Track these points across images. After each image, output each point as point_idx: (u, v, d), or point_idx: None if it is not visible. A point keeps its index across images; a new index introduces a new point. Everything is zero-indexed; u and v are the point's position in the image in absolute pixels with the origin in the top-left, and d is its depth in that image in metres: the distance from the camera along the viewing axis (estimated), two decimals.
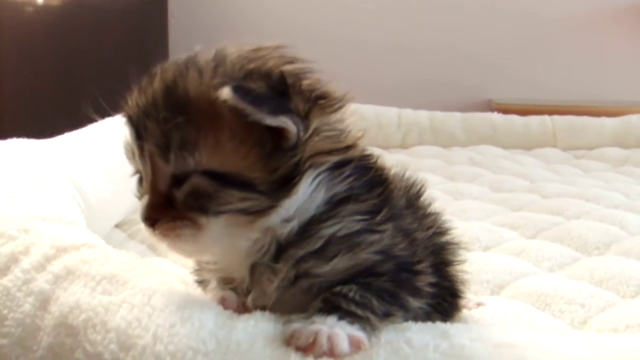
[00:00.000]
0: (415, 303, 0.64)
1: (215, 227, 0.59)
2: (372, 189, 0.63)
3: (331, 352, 0.55)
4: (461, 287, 0.78)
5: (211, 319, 0.58)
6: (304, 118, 0.59)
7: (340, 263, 0.61)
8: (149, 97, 0.60)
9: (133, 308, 0.58)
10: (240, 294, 0.65)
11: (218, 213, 0.58)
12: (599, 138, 2.43)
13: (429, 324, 0.62)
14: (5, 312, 0.62)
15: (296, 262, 0.61)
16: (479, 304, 0.94)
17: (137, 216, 0.61)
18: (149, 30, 2.99)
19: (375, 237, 0.62)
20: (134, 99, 0.61)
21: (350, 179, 0.62)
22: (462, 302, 0.81)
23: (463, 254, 0.78)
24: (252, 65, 0.60)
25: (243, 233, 0.60)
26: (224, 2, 3.41)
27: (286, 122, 0.57)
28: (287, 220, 0.61)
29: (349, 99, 0.63)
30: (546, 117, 2.52)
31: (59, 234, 0.72)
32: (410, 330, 0.59)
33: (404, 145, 2.43)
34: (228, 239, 0.60)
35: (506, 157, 2.27)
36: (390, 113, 2.52)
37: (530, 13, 3.38)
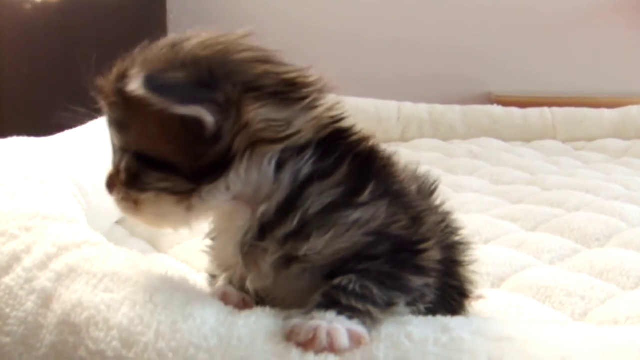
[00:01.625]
0: (418, 281, 0.63)
1: (147, 203, 0.62)
2: (339, 165, 0.62)
3: (331, 347, 0.55)
4: (470, 287, 0.78)
5: (213, 315, 0.59)
6: (235, 108, 0.59)
7: (320, 243, 0.61)
8: (109, 77, 0.63)
9: (135, 305, 0.59)
10: (241, 290, 0.65)
11: (143, 190, 0.62)
12: (598, 129, 2.43)
13: (429, 318, 0.62)
14: (7, 310, 0.62)
15: (279, 243, 0.62)
16: (479, 297, 0.94)
17: None
18: (147, 27, 2.97)
19: (357, 214, 0.61)
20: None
21: (312, 160, 0.62)
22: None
23: (472, 254, 0.78)
24: (190, 54, 0.61)
25: (173, 211, 0.62)
26: None
27: (199, 112, 0.58)
28: (259, 203, 0.62)
29: (321, 87, 0.63)
30: (546, 109, 2.51)
31: (60, 232, 0.72)
32: (410, 324, 0.59)
33: (403, 139, 2.43)
34: (163, 216, 0.64)
35: (506, 149, 2.27)
36: (389, 106, 2.52)
37: (528, 5, 3.38)
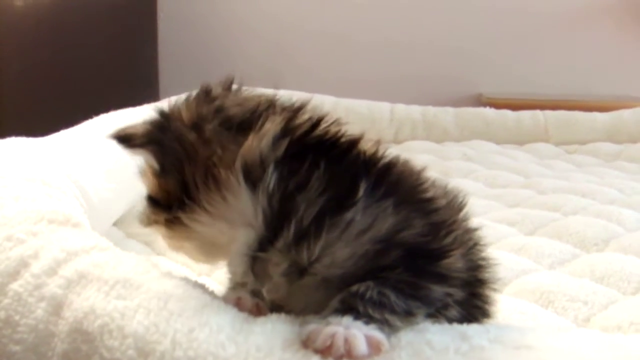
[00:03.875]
0: (439, 290, 0.62)
1: (162, 234, 0.69)
2: (312, 173, 0.61)
3: (349, 354, 0.54)
4: (493, 309, 0.76)
5: (228, 322, 0.58)
6: (179, 143, 0.64)
7: (316, 249, 0.60)
8: None
9: (149, 313, 0.57)
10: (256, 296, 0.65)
11: (148, 225, 0.69)
12: (591, 133, 2.43)
13: (446, 325, 0.61)
14: (17, 318, 0.61)
15: (282, 253, 0.62)
16: None
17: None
18: (138, 26, 2.97)
19: (349, 214, 0.60)
20: None
21: (278, 176, 0.61)
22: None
23: (495, 271, 0.76)
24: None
25: (174, 241, 0.68)
26: None
27: (140, 153, 0.67)
28: (249, 224, 0.63)
29: (273, 106, 0.65)
30: (538, 112, 2.51)
31: (67, 236, 0.71)
32: (429, 332, 0.58)
33: (396, 141, 2.42)
34: (180, 247, 0.69)
35: (499, 152, 2.26)
36: (382, 108, 2.52)
37: (520, 6, 3.39)
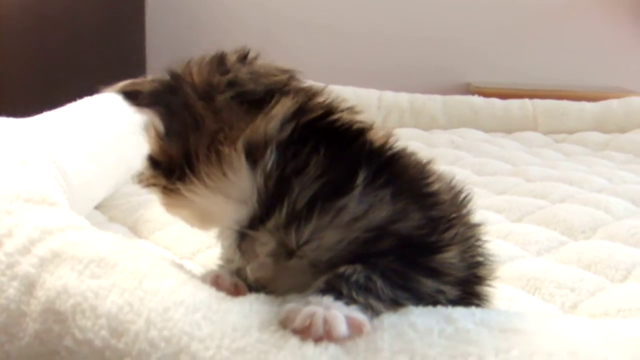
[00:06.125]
0: (430, 285, 0.60)
1: (159, 198, 0.68)
2: (311, 157, 0.61)
3: (328, 335, 0.52)
4: (489, 306, 0.73)
5: (205, 302, 0.56)
6: (189, 111, 0.63)
7: (306, 233, 0.59)
8: None
9: (124, 292, 0.56)
10: (236, 275, 0.64)
11: (147, 187, 0.68)
12: (579, 122, 2.43)
13: (430, 308, 0.59)
14: None
15: (271, 233, 0.61)
16: None
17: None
18: (125, 11, 2.94)
19: (343, 201, 0.59)
20: None
21: (277, 158, 0.61)
22: None
23: (494, 270, 0.73)
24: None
25: (170, 207, 0.68)
26: None
27: (146, 113, 0.65)
28: (244, 200, 0.62)
29: (286, 86, 0.63)
30: (526, 101, 2.50)
31: (42, 215, 0.68)
32: (413, 314, 0.56)
33: (384, 128, 2.40)
34: (178, 213, 0.68)
35: (487, 140, 2.26)
36: (370, 95, 2.51)
37: None
